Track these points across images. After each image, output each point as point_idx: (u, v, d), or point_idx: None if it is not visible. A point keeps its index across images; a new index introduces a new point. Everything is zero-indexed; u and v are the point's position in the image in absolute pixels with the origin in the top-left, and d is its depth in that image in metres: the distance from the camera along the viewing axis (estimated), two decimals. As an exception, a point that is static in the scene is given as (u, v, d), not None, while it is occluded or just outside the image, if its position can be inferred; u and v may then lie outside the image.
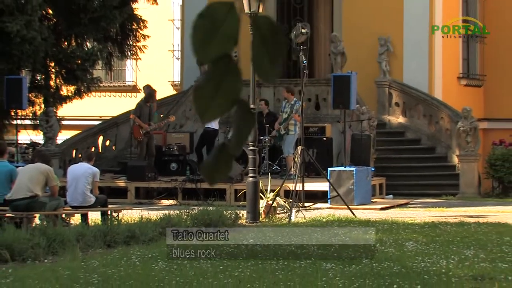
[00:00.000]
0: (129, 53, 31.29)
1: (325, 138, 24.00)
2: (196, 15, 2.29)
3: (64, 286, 10.34)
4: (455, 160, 24.56)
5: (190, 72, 28.09)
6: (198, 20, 2.23)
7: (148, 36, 30.59)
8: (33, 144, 27.90)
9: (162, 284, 10.50)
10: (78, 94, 28.52)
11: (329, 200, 20.84)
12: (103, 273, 11.27)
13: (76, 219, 16.82)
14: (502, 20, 28.29)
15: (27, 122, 28.88)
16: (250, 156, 18.55)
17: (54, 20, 28.35)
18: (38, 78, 28.26)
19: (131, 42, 30.70)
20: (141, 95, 30.10)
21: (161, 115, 25.20)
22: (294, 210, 18.45)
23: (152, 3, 30.77)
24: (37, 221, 15.43)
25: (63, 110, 29.19)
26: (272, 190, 18.85)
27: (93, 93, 30.83)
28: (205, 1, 28.07)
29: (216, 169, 2.34)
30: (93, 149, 26.59)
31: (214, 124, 23.71)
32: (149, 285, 10.36)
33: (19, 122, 26.13)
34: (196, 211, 16.76)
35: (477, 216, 18.70)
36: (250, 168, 18.33)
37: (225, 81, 2.23)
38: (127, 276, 11.07)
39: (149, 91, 24.56)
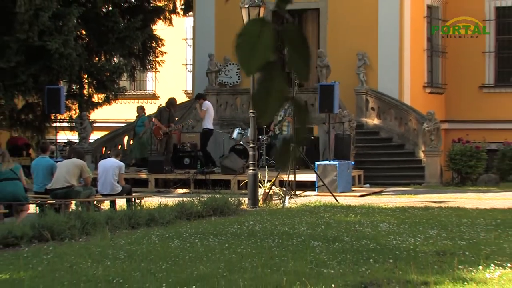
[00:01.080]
0: (149, 66, 31.37)
1: (313, 137, 23.97)
2: (236, 36, 2.25)
3: (95, 261, 10.34)
4: (421, 155, 24.57)
5: (199, 82, 28.10)
6: (238, 39, 2.19)
7: (165, 53, 30.65)
8: (69, 143, 27.93)
9: (177, 259, 10.49)
10: (107, 101, 28.56)
11: (316, 189, 20.86)
12: (128, 249, 11.27)
13: (105, 205, 16.83)
14: (459, 39, 28.26)
15: (65, 124, 28.89)
16: (251, 152, 18.55)
17: (87, 39, 28.36)
18: (74, 87, 28.29)
19: (151, 58, 30.78)
20: (160, 102, 30.12)
21: (176, 118, 25.22)
22: (287, 197, 18.44)
23: (168, 25, 30.82)
24: (73, 206, 15.44)
25: (95, 114, 29.21)
26: (269, 181, 18.84)
27: (120, 100, 30.86)
28: (213, 25, 28.04)
29: (282, 158, 2.33)
30: (119, 146, 26.61)
31: (209, 125, 23.86)
32: (166, 260, 10.35)
33: (58, 124, 26.13)
34: (206, 198, 16.74)
35: (440, 202, 18.68)
36: (251, 162, 18.33)
37: (273, 84, 2.21)
38: (148, 252, 11.07)
39: (171, 100, 24.74)
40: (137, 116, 26.46)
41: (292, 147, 2.32)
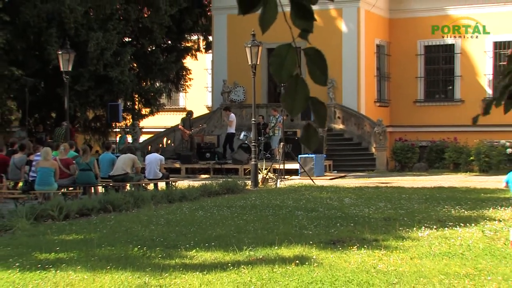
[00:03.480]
0: (181, 88, 31.41)
1: (296, 138, 23.96)
2: (271, 55, 2.23)
3: (144, 226, 10.36)
4: (373, 150, 24.55)
5: (216, 100, 28.08)
6: (272, 58, 2.17)
7: (192, 79, 30.68)
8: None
9: (201, 224, 10.52)
10: (151, 113, 28.64)
11: (299, 174, 20.86)
12: (167, 218, 11.29)
13: (150, 186, 16.83)
14: (399, 66, 28.26)
15: (122, 130, 28.84)
16: (253, 149, 18.55)
17: (137, 70, 28.38)
18: (128, 104, 28.30)
19: (182, 82, 30.81)
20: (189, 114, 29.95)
21: (200, 125, 25.22)
22: (279, 180, 18.47)
23: (194, 59, 30.87)
24: (128, 188, 15.45)
25: (143, 123, 29.20)
26: (265, 169, 18.86)
27: (160, 112, 30.83)
28: (225, 59, 27.99)
29: (311, 141, 2.29)
30: (160, 145, 26.59)
31: (233, 129, 23.81)
32: (193, 225, 10.38)
33: (117, 130, 26.12)
34: (221, 181, 16.77)
35: (386, 183, 18.72)
36: (253, 156, 18.34)
37: (297, 89, 2.18)
38: (181, 219, 11.09)
39: (189, 111, 25.10)
40: (119, 137, 25.31)
41: (316, 129, 2.30)
